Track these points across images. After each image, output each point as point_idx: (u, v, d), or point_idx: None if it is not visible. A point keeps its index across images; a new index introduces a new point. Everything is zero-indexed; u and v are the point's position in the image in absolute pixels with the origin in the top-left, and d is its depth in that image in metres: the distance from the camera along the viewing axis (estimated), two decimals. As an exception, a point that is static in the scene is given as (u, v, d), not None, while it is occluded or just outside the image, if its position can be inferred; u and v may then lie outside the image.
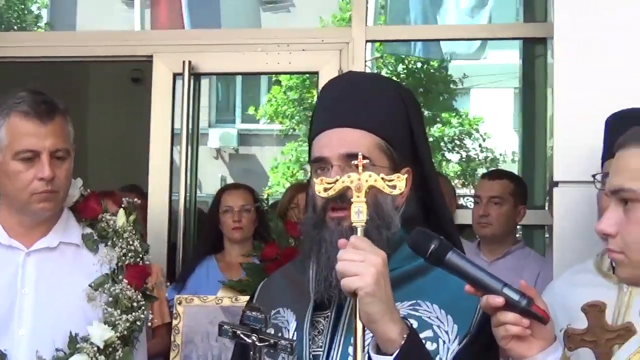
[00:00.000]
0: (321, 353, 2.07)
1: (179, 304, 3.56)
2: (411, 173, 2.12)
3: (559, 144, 3.13)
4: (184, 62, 5.07)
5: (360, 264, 1.85)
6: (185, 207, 5.09)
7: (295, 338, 2.10)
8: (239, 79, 18.15)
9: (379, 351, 1.89)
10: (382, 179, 1.93)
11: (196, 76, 5.30)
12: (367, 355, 1.90)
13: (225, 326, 2.13)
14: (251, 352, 2.05)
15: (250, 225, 4.60)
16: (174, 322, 3.53)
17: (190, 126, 5.15)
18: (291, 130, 17.00)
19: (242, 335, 2.07)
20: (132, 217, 2.76)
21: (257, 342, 2.04)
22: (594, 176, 2.63)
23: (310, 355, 2.07)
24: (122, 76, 7.63)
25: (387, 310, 1.86)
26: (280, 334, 2.13)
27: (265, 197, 5.49)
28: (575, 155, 3.02)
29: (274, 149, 18.55)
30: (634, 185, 1.66)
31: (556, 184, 3.08)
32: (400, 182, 1.92)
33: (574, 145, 3.05)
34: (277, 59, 5.18)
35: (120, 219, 2.74)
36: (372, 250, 1.87)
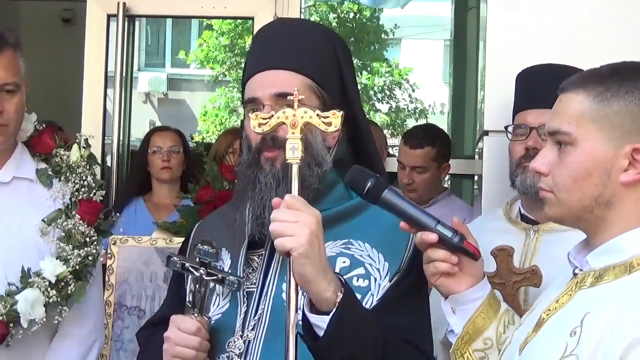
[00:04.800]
0: (255, 290, 2.11)
1: (114, 244, 3.55)
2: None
3: (490, 94, 3.21)
4: (118, 3, 5.01)
5: (294, 225, 1.84)
6: (119, 151, 5.07)
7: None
8: (169, 22, 17.83)
9: (312, 308, 1.90)
10: (318, 115, 1.93)
11: (130, 18, 5.23)
12: (301, 314, 1.90)
13: (173, 257, 2.12)
14: (197, 286, 2.06)
15: (178, 166, 4.63)
16: (108, 262, 3.52)
17: (124, 69, 5.10)
18: (221, 75, 16.80)
19: (190, 268, 2.07)
20: (86, 153, 2.75)
21: (204, 276, 2.06)
22: (506, 127, 2.72)
23: (245, 292, 2.10)
24: (52, 16, 7.46)
25: (321, 270, 1.86)
26: None
27: (196, 141, 5.46)
28: (504, 105, 3.10)
29: (204, 94, 18.34)
30: (569, 128, 1.70)
31: (487, 132, 3.18)
32: (335, 119, 1.92)
33: (504, 95, 3.12)
34: (212, 3, 5.14)
35: (74, 154, 2.73)
36: (306, 211, 1.87)
